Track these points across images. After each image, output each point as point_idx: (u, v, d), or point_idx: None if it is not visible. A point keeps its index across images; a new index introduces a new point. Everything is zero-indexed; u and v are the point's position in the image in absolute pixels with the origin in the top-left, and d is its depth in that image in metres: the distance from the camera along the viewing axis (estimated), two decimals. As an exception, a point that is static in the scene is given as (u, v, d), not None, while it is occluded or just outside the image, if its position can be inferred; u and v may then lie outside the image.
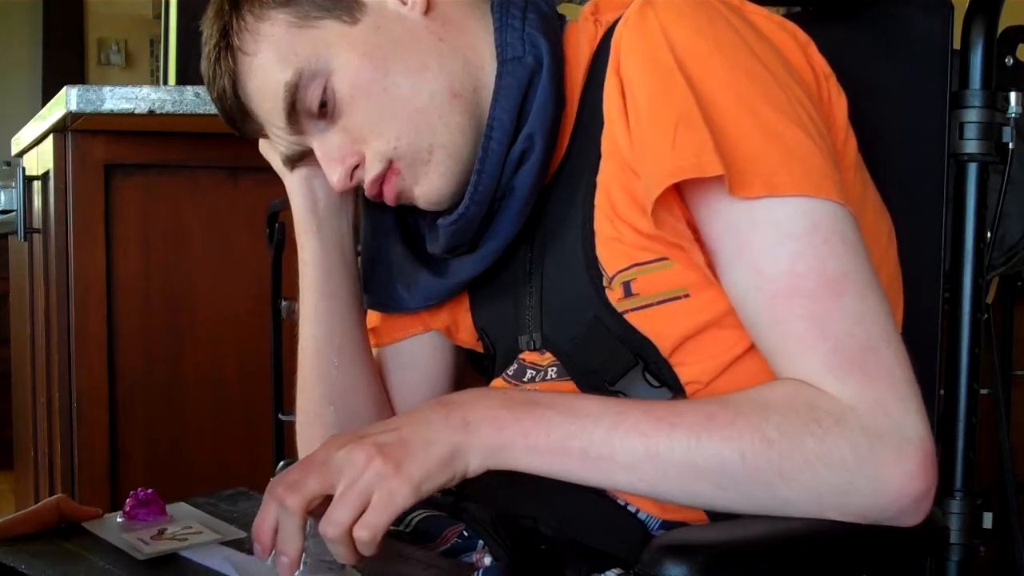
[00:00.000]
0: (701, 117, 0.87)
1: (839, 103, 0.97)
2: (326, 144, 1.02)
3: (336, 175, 1.02)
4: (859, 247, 0.87)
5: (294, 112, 1.00)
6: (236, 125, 1.06)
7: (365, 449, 0.83)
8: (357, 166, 1.02)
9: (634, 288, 0.95)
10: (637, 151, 0.92)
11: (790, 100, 0.90)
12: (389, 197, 1.03)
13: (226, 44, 1.01)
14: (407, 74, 0.99)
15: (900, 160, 1.07)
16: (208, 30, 1.04)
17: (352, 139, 1.01)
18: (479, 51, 1.02)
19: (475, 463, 0.85)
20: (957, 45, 1.08)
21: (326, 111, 1.00)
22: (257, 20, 1.00)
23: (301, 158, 1.07)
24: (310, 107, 1.00)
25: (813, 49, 0.97)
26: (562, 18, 1.06)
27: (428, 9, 1.01)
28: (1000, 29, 1.07)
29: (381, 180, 1.02)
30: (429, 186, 1.02)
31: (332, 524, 0.82)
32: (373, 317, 1.20)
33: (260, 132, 1.07)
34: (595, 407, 0.86)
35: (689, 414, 0.84)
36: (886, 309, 0.87)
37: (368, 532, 0.82)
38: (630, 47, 0.93)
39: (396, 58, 0.99)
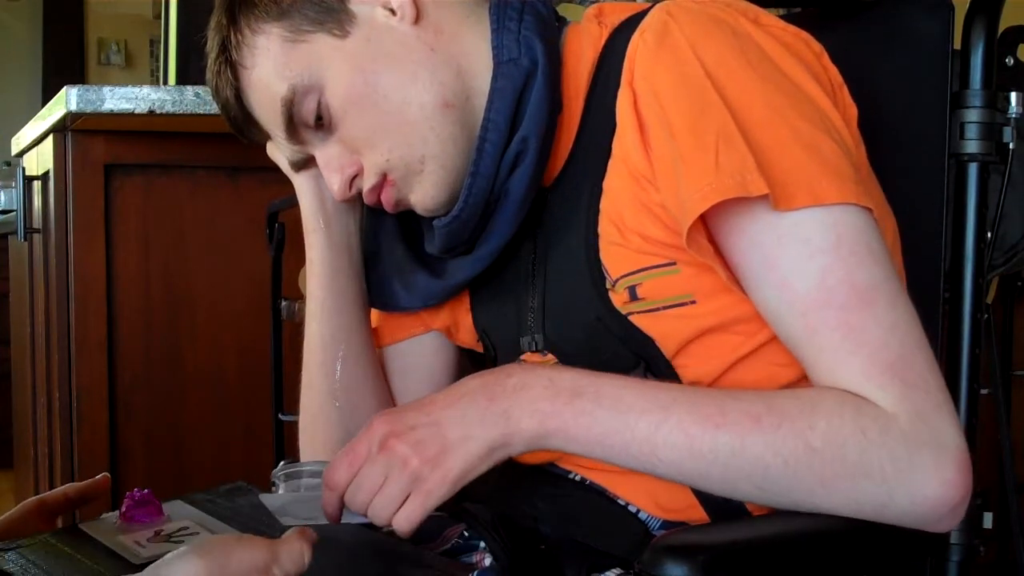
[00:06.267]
0: (740, 134, 0.87)
1: (851, 112, 0.97)
2: (325, 154, 1.04)
3: (335, 185, 1.04)
4: (884, 255, 0.88)
5: (292, 124, 1.02)
6: (243, 133, 1.08)
7: (403, 451, 0.86)
8: (356, 175, 1.03)
9: (639, 292, 0.95)
10: (661, 165, 0.91)
11: (818, 110, 0.91)
12: (388, 205, 1.04)
13: (226, 58, 1.03)
14: (397, 87, 0.99)
15: (900, 160, 1.07)
16: (210, 41, 1.05)
17: (349, 150, 1.02)
18: (474, 57, 1.01)
19: (515, 451, 0.88)
20: (957, 45, 1.08)
21: (322, 123, 1.01)
22: (254, 34, 1.01)
23: (306, 163, 1.09)
24: (306, 120, 1.01)
25: (826, 59, 0.97)
26: (561, 20, 1.06)
27: (418, 19, 1.01)
28: (1000, 29, 1.07)
29: (379, 190, 1.03)
30: (423, 195, 1.02)
31: (376, 518, 0.88)
32: (375, 318, 1.20)
33: (267, 138, 1.08)
34: (640, 401, 0.85)
35: (734, 414, 0.84)
36: (914, 315, 0.87)
37: (405, 525, 0.87)
38: (654, 61, 0.93)
39: (386, 71, 1.00)
